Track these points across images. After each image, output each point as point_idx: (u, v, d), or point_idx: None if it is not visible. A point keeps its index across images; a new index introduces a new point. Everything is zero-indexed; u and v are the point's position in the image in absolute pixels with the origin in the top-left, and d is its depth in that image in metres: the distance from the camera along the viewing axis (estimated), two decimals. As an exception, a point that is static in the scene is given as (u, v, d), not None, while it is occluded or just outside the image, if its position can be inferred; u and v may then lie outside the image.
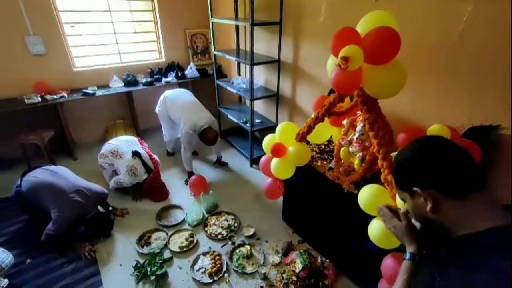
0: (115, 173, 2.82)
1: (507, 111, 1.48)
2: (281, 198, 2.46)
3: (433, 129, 1.62)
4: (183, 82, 3.84)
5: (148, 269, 1.99)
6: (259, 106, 3.56)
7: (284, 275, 1.97)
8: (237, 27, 3.47)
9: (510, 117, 1.48)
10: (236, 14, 3.37)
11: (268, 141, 2.02)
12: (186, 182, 3.00)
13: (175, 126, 3.16)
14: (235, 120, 3.38)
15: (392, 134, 1.81)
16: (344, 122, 1.85)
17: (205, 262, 2.10)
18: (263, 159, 2.17)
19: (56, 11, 3.09)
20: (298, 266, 1.93)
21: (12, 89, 3.07)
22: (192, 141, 2.91)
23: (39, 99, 3.00)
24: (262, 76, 3.38)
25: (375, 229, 1.45)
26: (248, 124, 3.16)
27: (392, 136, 1.79)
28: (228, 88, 3.35)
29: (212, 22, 3.29)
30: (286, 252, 2.16)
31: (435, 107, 1.80)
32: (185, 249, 2.21)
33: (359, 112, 1.75)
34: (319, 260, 2.05)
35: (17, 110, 2.87)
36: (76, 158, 3.42)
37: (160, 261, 2.08)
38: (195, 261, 2.11)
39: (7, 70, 3.02)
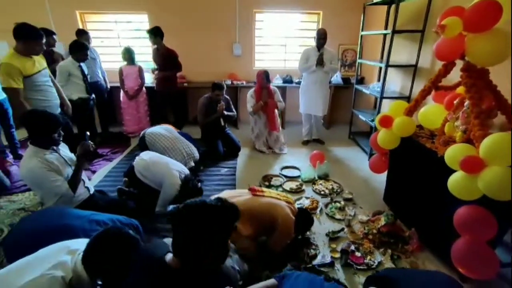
0: (257, 135, 3.88)
1: None
2: (384, 183, 2.67)
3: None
4: (327, 85, 4.60)
5: (265, 192, 2.77)
6: (391, 111, 3.77)
7: (366, 228, 2.23)
8: (384, 39, 3.90)
9: None
10: (386, 27, 3.81)
11: (379, 116, 2.39)
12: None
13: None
14: (364, 119, 3.76)
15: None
16: (455, 102, 1.99)
17: (306, 202, 2.66)
18: (372, 135, 2.53)
19: (254, 28, 4.63)
20: (381, 222, 2.16)
21: (217, 76, 4.79)
22: None
23: (230, 83, 4.55)
24: (397, 83, 3.63)
25: (454, 180, 1.59)
26: (374, 122, 3.47)
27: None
28: (364, 90, 3.80)
29: (361, 35, 3.90)
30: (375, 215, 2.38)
31: None
32: (293, 190, 2.85)
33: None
34: (407, 234, 2.16)
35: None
36: (238, 128, 4.81)
37: (274, 191, 2.81)
38: (298, 199, 2.71)
39: (219, 64, 4.80)
